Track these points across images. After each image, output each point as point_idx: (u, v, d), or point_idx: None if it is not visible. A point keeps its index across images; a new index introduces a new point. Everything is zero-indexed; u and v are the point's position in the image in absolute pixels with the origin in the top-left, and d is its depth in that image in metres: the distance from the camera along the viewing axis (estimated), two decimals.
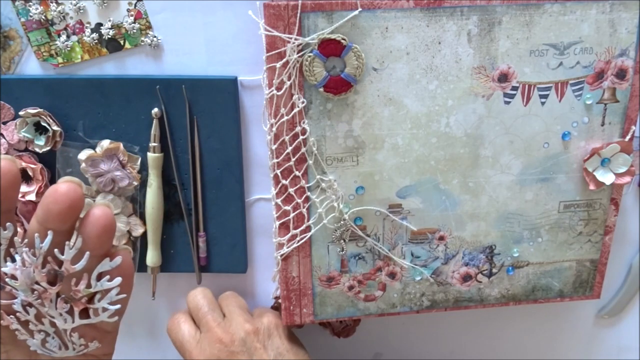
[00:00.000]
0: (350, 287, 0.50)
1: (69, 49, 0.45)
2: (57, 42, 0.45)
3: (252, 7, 0.43)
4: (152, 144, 0.47)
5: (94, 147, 0.46)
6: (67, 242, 0.29)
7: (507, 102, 0.45)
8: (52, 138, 0.46)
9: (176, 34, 0.46)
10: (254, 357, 0.45)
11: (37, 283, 0.30)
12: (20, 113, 0.45)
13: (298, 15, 0.42)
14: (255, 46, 0.45)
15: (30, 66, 0.46)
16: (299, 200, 0.46)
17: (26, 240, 0.29)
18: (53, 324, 0.32)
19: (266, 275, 0.53)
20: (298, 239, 0.48)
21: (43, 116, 0.45)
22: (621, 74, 0.45)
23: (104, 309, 0.31)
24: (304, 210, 0.47)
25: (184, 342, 0.47)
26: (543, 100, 0.46)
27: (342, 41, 0.42)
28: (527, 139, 0.47)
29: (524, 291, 0.52)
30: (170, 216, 0.49)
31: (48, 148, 0.46)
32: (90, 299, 0.32)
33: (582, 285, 0.52)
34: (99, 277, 0.31)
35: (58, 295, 0.31)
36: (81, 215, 0.30)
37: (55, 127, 0.46)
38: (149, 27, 0.45)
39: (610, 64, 0.45)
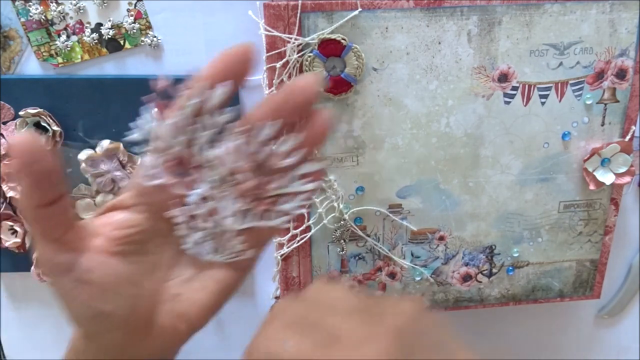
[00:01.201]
0: (351, 288, 0.50)
1: (69, 49, 0.45)
2: (57, 42, 0.45)
3: (252, 7, 0.43)
4: None
5: (94, 147, 0.46)
6: (286, 135, 0.28)
7: (507, 102, 0.45)
8: (52, 138, 0.46)
9: (176, 34, 0.46)
10: None
11: (232, 174, 0.29)
12: (20, 113, 0.45)
13: (298, 15, 0.42)
14: (255, 46, 0.45)
15: (30, 66, 0.46)
16: None
17: (241, 128, 0.29)
18: (218, 225, 0.30)
19: (266, 275, 0.53)
20: (298, 239, 0.48)
21: (43, 116, 0.45)
22: (621, 74, 0.45)
23: (285, 213, 0.30)
24: (304, 210, 0.47)
25: None
26: (543, 100, 0.46)
27: (342, 41, 0.42)
28: (527, 139, 0.47)
29: (524, 291, 0.52)
30: None
31: (48, 148, 0.46)
32: (272, 202, 0.30)
33: (582, 285, 0.52)
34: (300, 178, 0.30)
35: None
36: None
37: (55, 127, 0.46)
38: (149, 27, 0.45)
39: (610, 64, 0.45)
